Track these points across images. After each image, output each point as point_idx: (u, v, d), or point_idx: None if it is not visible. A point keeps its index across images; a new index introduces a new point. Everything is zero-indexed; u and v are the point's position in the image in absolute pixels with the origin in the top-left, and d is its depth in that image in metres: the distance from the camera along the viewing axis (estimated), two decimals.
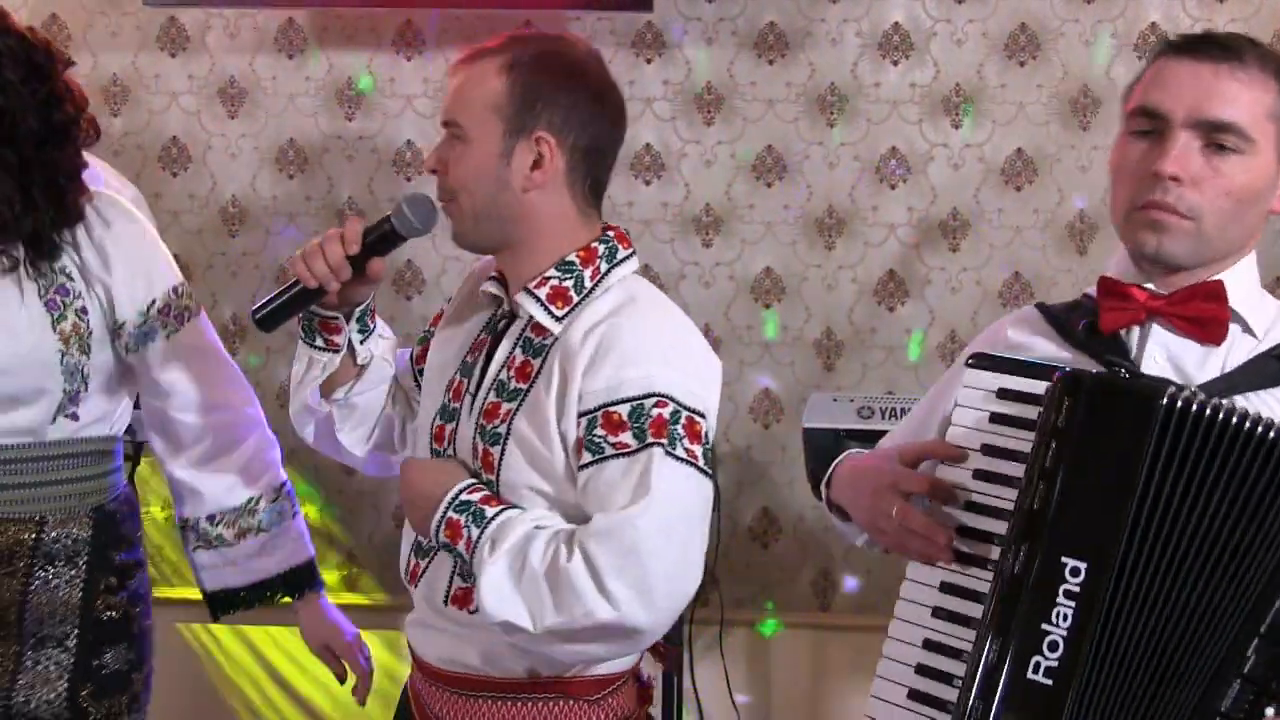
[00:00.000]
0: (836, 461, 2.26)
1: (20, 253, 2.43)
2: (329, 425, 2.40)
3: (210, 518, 2.63)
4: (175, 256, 2.62)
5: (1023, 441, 1.96)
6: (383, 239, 2.27)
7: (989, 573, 1.94)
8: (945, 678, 1.95)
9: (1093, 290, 2.15)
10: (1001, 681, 1.85)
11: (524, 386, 2.16)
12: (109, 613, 2.50)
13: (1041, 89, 4.05)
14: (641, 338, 2.12)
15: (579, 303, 2.17)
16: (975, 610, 1.94)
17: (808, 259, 4.14)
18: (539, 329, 2.18)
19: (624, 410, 2.07)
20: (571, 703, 2.22)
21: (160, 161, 4.26)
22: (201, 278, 4.21)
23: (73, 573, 2.47)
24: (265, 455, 2.66)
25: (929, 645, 1.98)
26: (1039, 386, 1.96)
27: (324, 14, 4.17)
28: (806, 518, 4.15)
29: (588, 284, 2.18)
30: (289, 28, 4.22)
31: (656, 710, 3.17)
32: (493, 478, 2.16)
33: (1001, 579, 1.90)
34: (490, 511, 2.10)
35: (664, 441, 2.06)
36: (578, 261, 2.19)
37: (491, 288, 2.27)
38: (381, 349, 2.40)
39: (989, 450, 1.99)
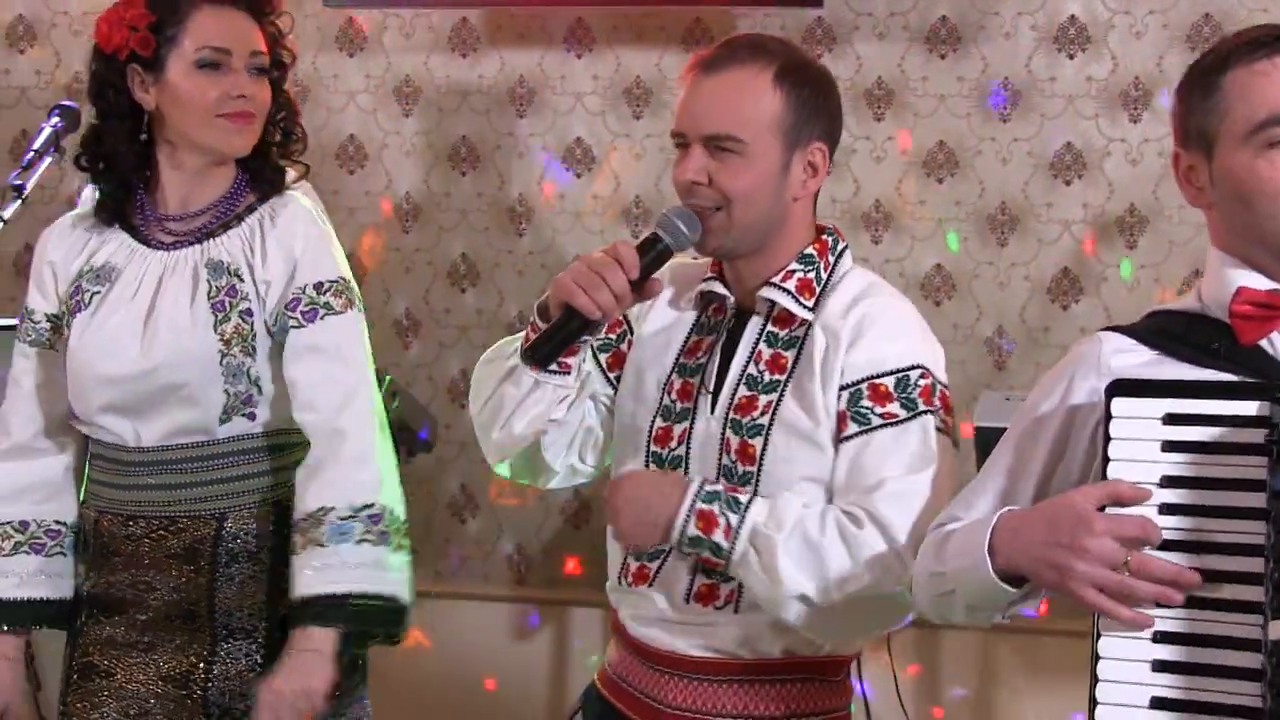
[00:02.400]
0: (990, 526, 1.94)
1: (199, 255, 2.50)
2: (537, 448, 2.34)
3: (295, 523, 2.50)
4: (350, 254, 2.64)
5: (1213, 467, 1.82)
6: (658, 258, 2.21)
7: (1208, 612, 1.79)
8: None
9: (1177, 304, 2.02)
10: None
11: (781, 377, 2.21)
12: None
13: None
14: (898, 316, 2.23)
15: (822, 292, 2.24)
16: (1205, 656, 1.79)
17: (979, 256, 4.08)
18: (783, 321, 2.23)
19: (889, 382, 2.15)
20: (819, 684, 2.25)
21: (338, 159, 4.34)
22: (376, 273, 4.29)
23: (256, 568, 2.52)
24: (353, 470, 2.47)
25: (1161, 704, 1.80)
26: (1227, 407, 1.82)
27: (496, 13, 4.23)
28: None
29: (824, 274, 2.25)
30: (462, 27, 4.27)
31: None
32: (753, 469, 2.19)
33: None
34: (743, 498, 2.13)
35: (933, 409, 2.16)
36: (815, 254, 2.26)
37: (716, 287, 2.29)
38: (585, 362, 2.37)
39: (1172, 482, 1.83)
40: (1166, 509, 1.83)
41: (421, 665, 4.35)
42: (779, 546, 2.08)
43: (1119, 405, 1.87)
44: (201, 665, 2.49)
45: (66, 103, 3.31)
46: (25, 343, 2.58)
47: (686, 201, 2.23)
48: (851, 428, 2.15)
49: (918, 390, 2.16)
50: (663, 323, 2.36)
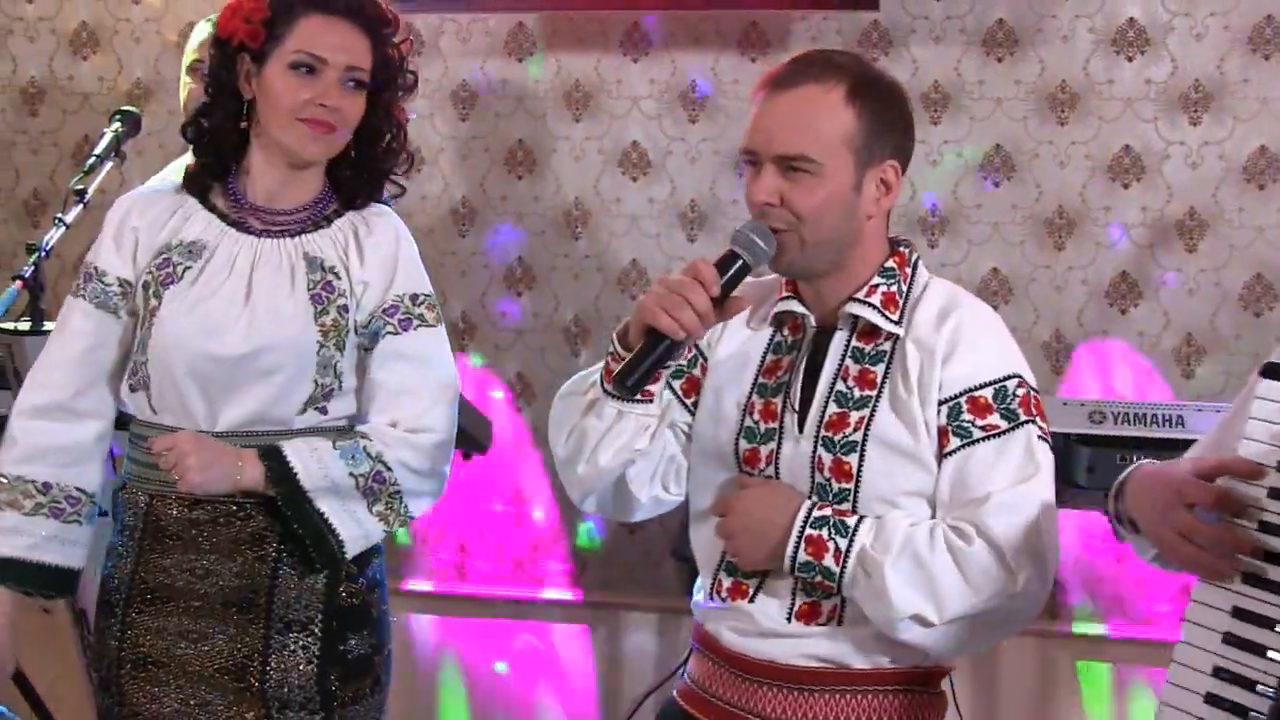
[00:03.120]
0: (1128, 470, 2.07)
1: (294, 247, 2.54)
2: (622, 481, 2.31)
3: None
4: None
5: None
6: (737, 274, 2.18)
7: None
8: (1240, 710, 1.83)
9: None
10: None
11: (871, 393, 2.20)
12: (350, 599, 2.55)
13: None
14: (988, 327, 2.22)
15: (905, 305, 2.23)
16: (1273, 640, 1.82)
17: (1036, 260, 4.06)
18: (867, 336, 2.22)
19: (988, 393, 2.15)
20: (919, 696, 2.24)
21: None
22: (433, 277, 4.28)
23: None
24: (404, 444, 2.51)
25: (1220, 674, 1.86)
26: None
27: (553, 17, 4.24)
28: None
29: (904, 286, 2.25)
30: (519, 31, 4.29)
31: None
32: (849, 486, 2.18)
33: None
34: (851, 521, 2.13)
35: (1035, 419, 2.16)
36: (895, 267, 2.26)
37: (794, 306, 2.27)
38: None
39: None
40: (1276, 494, 1.85)
41: (478, 670, 4.37)
42: (888, 568, 2.08)
43: (1264, 387, 1.90)
44: (257, 657, 2.51)
45: (128, 108, 3.35)
46: (90, 302, 2.57)
47: (760, 222, 2.22)
48: (953, 442, 2.14)
49: (1016, 400, 2.15)
50: (737, 344, 2.33)
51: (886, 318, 2.21)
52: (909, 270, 2.26)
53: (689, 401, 2.35)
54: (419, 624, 4.33)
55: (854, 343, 2.23)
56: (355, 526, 2.48)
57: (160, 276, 2.53)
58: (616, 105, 4.25)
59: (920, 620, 2.10)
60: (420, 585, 4.27)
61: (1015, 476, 2.12)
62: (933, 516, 2.16)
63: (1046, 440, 2.17)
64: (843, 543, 2.12)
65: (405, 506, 2.51)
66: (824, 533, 2.12)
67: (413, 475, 2.50)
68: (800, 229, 2.18)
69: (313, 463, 2.45)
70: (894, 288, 2.23)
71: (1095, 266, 4.03)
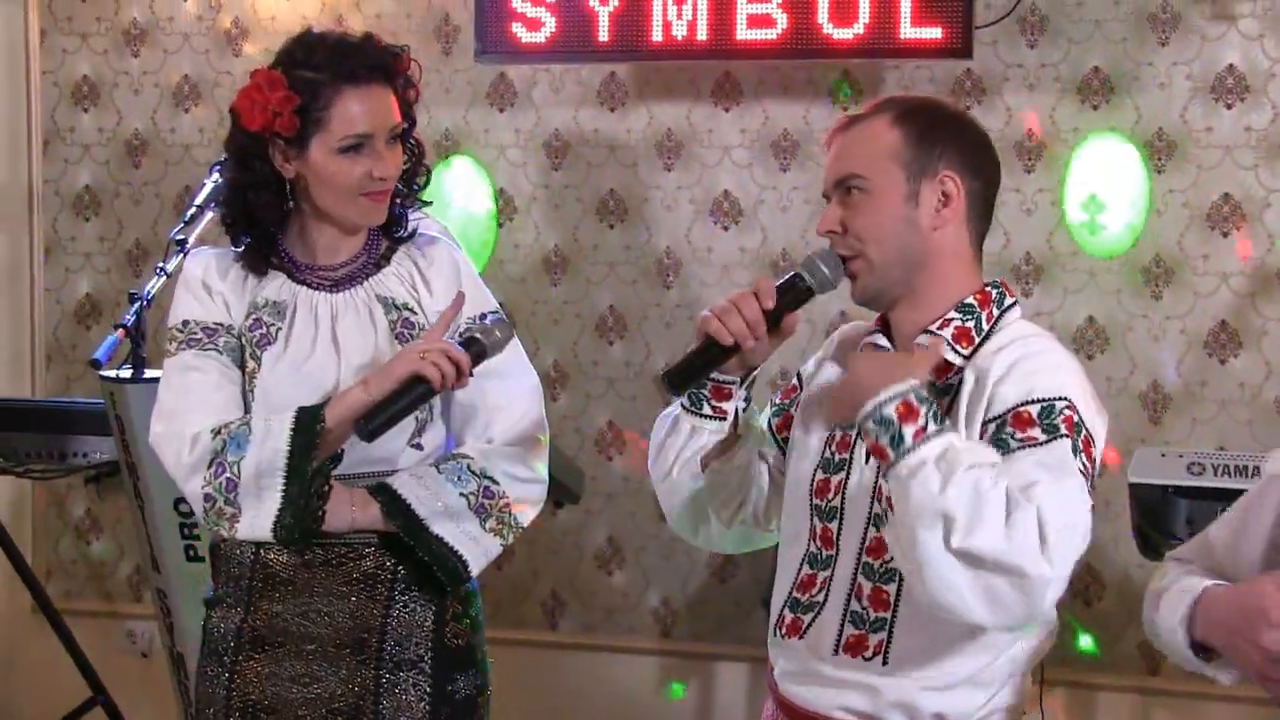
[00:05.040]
0: (1193, 598, 1.98)
1: (365, 293, 2.57)
2: (699, 499, 2.39)
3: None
4: (500, 305, 2.69)
5: None
6: (796, 295, 2.28)
7: None
8: None
9: None
10: None
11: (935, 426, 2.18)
12: (456, 640, 2.59)
13: None
14: (1054, 359, 2.19)
15: (980, 343, 2.22)
16: None
17: (1133, 308, 4.01)
18: (940, 370, 2.22)
19: (1034, 410, 2.11)
20: None
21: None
22: (525, 325, 4.33)
23: (427, 598, 2.57)
24: (505, 456, 2.58)
25: None
26: None
27: (645, 68, 4.26)
28: (1132, 576, 4.00)
29: (985, 325, 2.24)
30: (611, 81, 4.32)
31: None
32: None
33: None
34: (948, 423, 2.09)
35: (1073, 438, 2.09)
36: (976, 304, 2.25)
37: (881, 340, 2.30)
38: (754, 417, 2.41)
39: None
40: None
41: (568, 718, 4.36)
42: (958, 471, 2.01)
43: None
44: (369, 697, 2.53)
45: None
46: (217, 352, 2.56)
47: (830, 250, 2.28)
48: None
49: (1061, 418, 2.10)
50: (831, 377, 2.37)
51: (956, 351, 2.21)
52: (994, 309, 2.25)
53: (781, 437, 2.40)
54: (511, 672, 4.33)
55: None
56: (473, 545, 2.55)
57: (254, 338, 2.57)
58: (707, 154, 4.26)
59: (944, 529, 1.99)
60: (512, 633, 4.27)
61: (1055, 476, 2.05)
62: None
63: (1085, 472, 2.08)
64: (933, 427, 2.05)
65: (515, 518, 2.59)
66: (923, 408, 2.06)
67: (519, 484, 2.58)
68: (865, 250, 2.23)
69: (422, 490, 2.52)
70: (970, 323, 2.23)
71: (1194, 316, 3.97)
